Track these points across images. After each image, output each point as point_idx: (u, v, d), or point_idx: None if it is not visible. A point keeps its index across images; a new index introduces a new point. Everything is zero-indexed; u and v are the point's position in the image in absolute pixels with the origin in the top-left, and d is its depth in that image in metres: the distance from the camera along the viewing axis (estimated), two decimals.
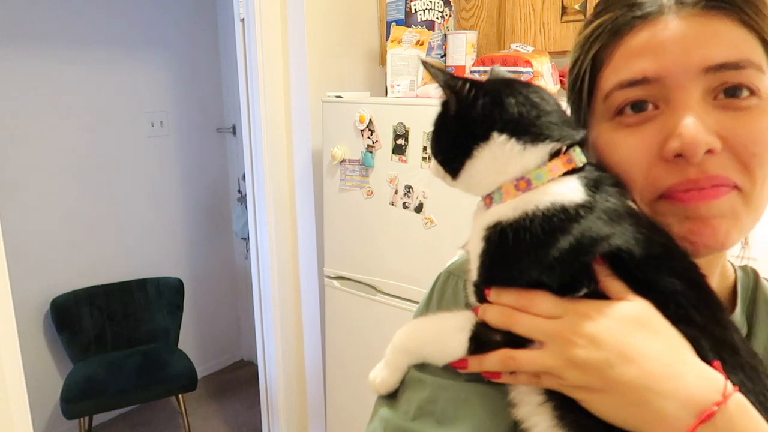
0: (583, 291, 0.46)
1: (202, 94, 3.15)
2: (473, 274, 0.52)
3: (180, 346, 2.83)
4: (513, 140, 0.49)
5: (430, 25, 1.90)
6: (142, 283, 2.86)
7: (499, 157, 0.49)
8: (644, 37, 0.48)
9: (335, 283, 2.03)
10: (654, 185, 0.48)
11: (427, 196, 1.73)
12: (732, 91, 0.46)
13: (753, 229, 0.51)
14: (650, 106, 0.48)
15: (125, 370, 2.48)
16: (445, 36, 1.93)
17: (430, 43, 1.87)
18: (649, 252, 0.45)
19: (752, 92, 0.46)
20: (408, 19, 1.92)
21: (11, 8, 2.38)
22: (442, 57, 1.94)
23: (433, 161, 0.55)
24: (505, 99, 0.50)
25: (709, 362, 0.43)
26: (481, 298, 0.50)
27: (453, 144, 0.52)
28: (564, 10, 1.71)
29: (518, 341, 0.47)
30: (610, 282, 0.45)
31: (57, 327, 2.56)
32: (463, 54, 1.86)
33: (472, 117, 0.51)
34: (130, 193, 2.88)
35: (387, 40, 1.93)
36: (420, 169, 1.73)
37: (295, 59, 2.09)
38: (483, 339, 0.49)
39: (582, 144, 0.51)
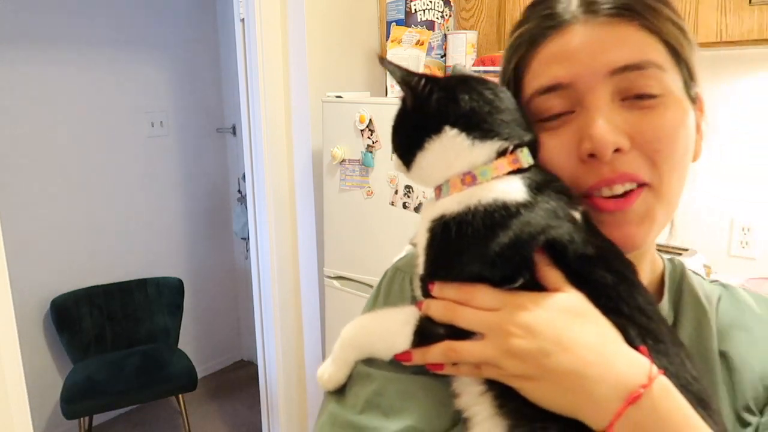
0: (520, 281, 0.48)
1: (202, 94, 3.15)
2: (419, 268, 0.53)
3: (180, 346, 2.83)
4: (463, 135, 0.51)
5: (430, 25, 1.90)
6: (142, 283, 2.86)
7: (449, 150, 0.51)
8: (557, 45, 0.51)
9: (335, 283, 2.03)
10: (577, 184, 0.51)
11: (426, 196, 1.73)
12: (640, 93, 0.50)
13: (670, 219, 0.54)
14: (567, 109, 0.52)
15: (125, 370, 2.48)
16: (445, 36, 1.93)
17: (430, 43, 1.87)
18: (584, 248, 0.47)
19: (653, 95, 0.50)
20: (408, 19, 1.92)
21: (11, 9, 2.38)
22: (442, 57, 1.94)
23: (394, 155, 0.58)
24: (460, 95, 0.52)
25: (636, 349, 0.46)
26: (427, 293, 0.52)
27: (408, 137, 0.54)
28: None
29: (461, 334, 0.49)
30: (549, 271, 0.47)
31: (57, 327, 2.56)
32: (463, 54, 1.87)
33: (426, 111, 0.53)
34: (130, 193, 2.88)
35: (387, 40, 1.93)
36: None
37: (295, 59, 2.09)
38: (427, 332, 0.51)
39: (532, 145, 0.52)
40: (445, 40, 1.93)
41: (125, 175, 2.84)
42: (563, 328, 0.45)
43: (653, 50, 0.50)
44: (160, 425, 2.88)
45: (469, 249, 0.48)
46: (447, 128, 0.51)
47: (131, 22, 2.78)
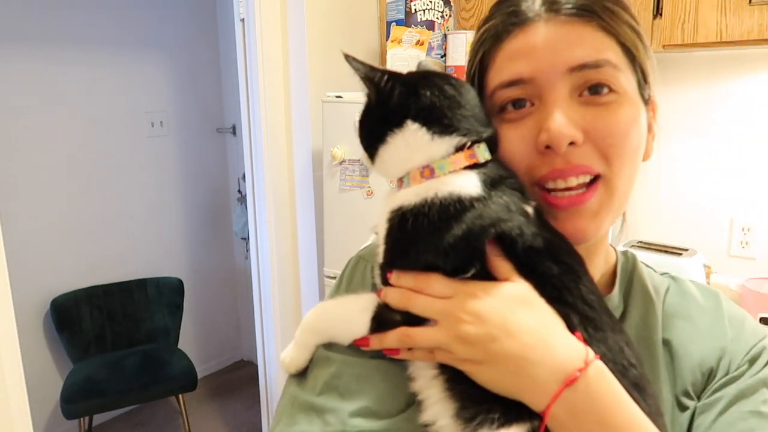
0: (472, 271, 0.50)
1: (202, 94, 3.15)
2: (379, 257, 0.55)
3: (180, 346, 2.83)
4: (424, 129, 0.53)
5: (430, 25, 1.90)
6: (142, 283, 2.86)
7: (410, 143, 0.53)
8: (520, 41, 0.54)
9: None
10: (530, 174, 0.54)
11: None
12: (594, 89, 0.53)
13: (620, 213, 0.57)
14: (527, 104, 0.54)
15: (125, 370, 2.48)
16: (445, 36, 1.93)
17: (430, 43, 1.87)
18: (533, 240, 0.50)
19: (610, 89, 0.53)
20: (408, 19, 1.92)
21: (11, 9, 2.38)
22: (442, 57, 1.94)
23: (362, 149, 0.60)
24: (421, 90, 0.54)
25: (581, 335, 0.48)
26: (386, 281, 0.54)
27: (372, 131, 0.57)
28: None
29: (416, 321, 0.51)
30: (498, 262, 0.50)
31: (57, 327, 2.56)
32: (463, 54, 1.87)
33: (388, 106, 0.55)
34: (130, 193, 2.88)
35: (387, 40, 1.93)
36: None
37: (295, 59, 2.09)
38: (384, 319, 0.53)
39: (492, 140, 0.54)
40: (445, 40, 1.93)
41: (125, 175, 2.84)
42: (509, 315, 0.48)
43: (609, 50, 0.53)
44: (160, 425, 2.88)
45: (425, 239, 0.50)
46: (408, 122, 0.53)
47: (131, 22, 2.78)
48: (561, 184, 0.53)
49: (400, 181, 0.55)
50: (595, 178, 0.53)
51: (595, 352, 0.48)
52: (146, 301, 2.83)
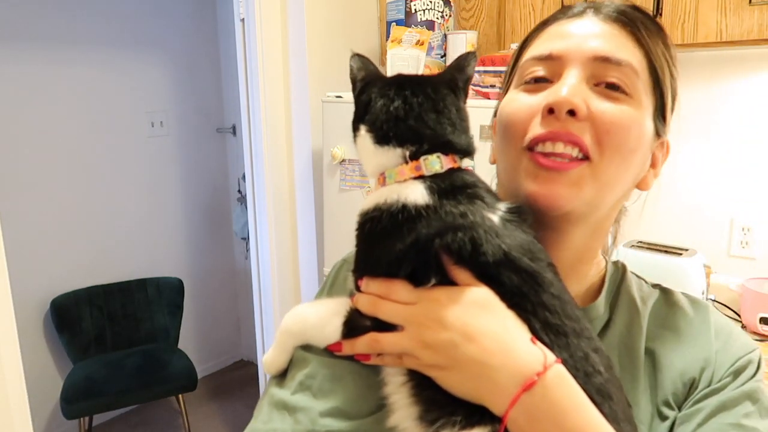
0: (432, 282, 0.51)
1: (202, 94, 3.15)
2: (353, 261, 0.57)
3: (180, 346, 2.83)
4: (370, 136, 0.55)
5: (430, 25, 1.90)
6: (142, 283, 2.86)
7: (363, 148, 0.57)
8: (560, 27, 0.59)
9: None
10: (525, 135, 0.56)
11: None
12: (610, 86, 0.55)
13: (598, 199, 0.57)
14: (547, 82, 0.57)
15: (125, 370, 2.48)
16: (445, 36, 1.93)
17: (430, 43, 1.87)
18: (491, 249, 0.50)
19: (625, 93, 0.55)
20: (408, 19, 1.92)
21: (11, 9, 2.38)
22: (442, 57, 1.94)
23: None
24: (377, 98, 0.56)
25: (542, 341, 0.49)
26: (357, 286, 0.55)
27: (352, 130, 0.60)
28: None
29: (385, 326, 0.52)
30: (456, 271, 0.50)
31: (57, 327, 2.56)
32: None
33: (357, 109, 0.59)
34: (130, 193, 2.88)
35: (387, 40, 1.93)
36: None
37: (295, 59, 2.09)
38: (355, 324, 0.54)
39: (463, 150, 0.56)
40: (445, 40, 1.93)
41: (125, 175, 2.84)
42: (470, 320, 0.48)
43: (635, 58, 0.56)
44: (160, 425, 2.88)
45: (379, 246, 0.52)
46: (361, 128, 0.56)
47: (131, 22, 2.78)
48: (549, 147, 0.54)
49: (381, 181, 0.57)
50: (583, 159, 0.54)
51: (557, 357, 0.48)
52: (146, 301, 2.83)
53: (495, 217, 0.52)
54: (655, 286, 0.67)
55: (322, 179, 2.03)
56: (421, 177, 0.53)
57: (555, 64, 0.57)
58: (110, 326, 2.71)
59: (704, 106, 1.76)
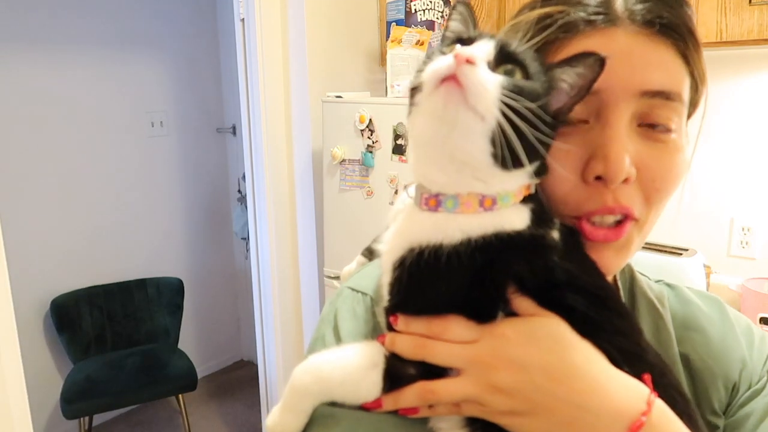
0: (500, 314, 0.43)
1: (202, 94, 3.15)
2: (385, 293, 0.47)
3: (180, 346, 2.83)
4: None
5: (430, 25, 1.90)
6: (142, 283, 2.86)
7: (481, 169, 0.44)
8: (595, 44, 0.46)
9: (335, 283, 2.03)
10: (576, 207, 0.48)
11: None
12: (654, 125, 0.47)
13: (641, 244, 0.52)
14: (584, 118, 0.48)
15: (125, 370, 2.48)
16: None
17: (430, 43, 1.87)
18: (560, 272, 0.43)
19: (669, 129, 0.48)
20: (408, 19, 1.92)
21: (11, 9, 2.38)
22: None
23: None
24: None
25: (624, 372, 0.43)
26: (390, 326, 0.46)
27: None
28: None
29: (433, 371, 0.44)
30: (519, 300, 0.44)
31: (57, 327, 2.56)
32: None
33: None
34: (130, 193, 2.88)
35: (387, 40, 1.93)
36: None
37: (295, 59, 2.09)
38: (397, 374, 0.45)
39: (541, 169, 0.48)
40: None
41: (125, 174, 2.84)
42: (549, 357, 0.42)
43: (683, 82, 0.48)
44: (160, 425, 2.88)
45: (445, 281, 0.43)
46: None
47: (131, 22, 2.77)
48: (597, 219, 0.48)
49: (435, 199, 0.44)
50: (630, 218, 0.49)
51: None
52: (146, 301, 2.83)
53: (556, 234, 0.45)
54: (658, 281, 0.63)
55: (322, 179, 2.03)
56: (526, 197, 0.45)
57: (591, 98, 0.46)
58: (110, 326, 2.71)
59: (704, 106, 1.76)
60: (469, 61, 0.39)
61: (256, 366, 2.70)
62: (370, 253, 0.66)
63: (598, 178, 0.46)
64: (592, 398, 0.41)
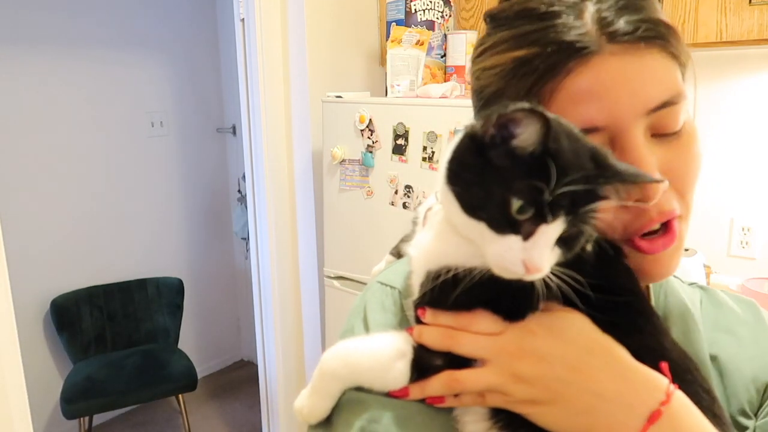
0: (529, 314, 0.45)
1: (202, 94, 3.15)
2: (415, 291, 0.49)
3: (180, 346, 2.83)
4: None
5: (430, 25, 1.90)
6: (142, 283, 2.86)
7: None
8: (587, 80, 0.45)
9: (335, 283, 2.03)
10: (624, 231, 0.48)
11: (426, 196, 1.72)
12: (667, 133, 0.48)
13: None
14: None
15: (125, 370, 2.48)
16: (445, 36, 1.93)
17: (430, 43, 1.88)
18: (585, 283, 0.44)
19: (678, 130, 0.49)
20: (408, 19, 1.92)
21: (12, 9, 2.38)
22: (442, 57, 1.94)
23: None
24: None
25: (653, 366, 0.44)
26: (418, 318, 0.48)
27: None
28: None
29: (459, 362, 0.46)
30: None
31: (57, 327, 2.56)
32: (463, 54, 1.87)
33: None
34: (130, 193, 2.88)
35: (387, 40, 1.93)
36: (420, 169, 1.73)
37: (295, 59, 2.09)
38: (424, 365, 0.47)
39: None
40: (445, 40, 1.93)
41: (125, 174, 2.84)
42: (570, 349, 0.43)
43: (678, 78, 0.48)
44: (160, 425, 2.88)
45: (485, 296, 0.45)
46: None
47: (131, 22, 2.77)
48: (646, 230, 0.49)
49: None
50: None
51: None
52: (146, 301, 2.83)
53: (590, 247, 0.47)
54: (692, 284, 0.63)
55: (322, 179, 2.03)
56: None
57: (601, 133, 0.47)
58: (110, 326, 2.71)
59: (704, 106, 1.76)
60: (536, 271, 0.40)
61: (256, 366, 2.70)
62: (398, 253, 0.68)
63: (637, 200, 0.46)
64: (610, 387, 0.42)
